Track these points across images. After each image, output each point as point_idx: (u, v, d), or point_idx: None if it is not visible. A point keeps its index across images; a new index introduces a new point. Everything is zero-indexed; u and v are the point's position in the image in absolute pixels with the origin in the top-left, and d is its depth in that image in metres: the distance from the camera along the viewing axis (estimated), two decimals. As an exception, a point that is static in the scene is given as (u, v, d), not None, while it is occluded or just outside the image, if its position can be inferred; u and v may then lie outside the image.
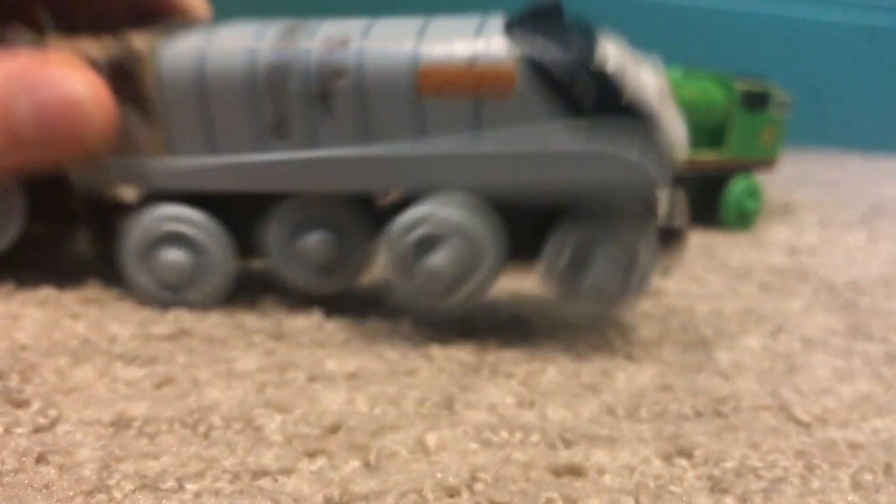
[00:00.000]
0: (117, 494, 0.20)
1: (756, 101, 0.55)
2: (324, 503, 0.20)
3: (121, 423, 0.23)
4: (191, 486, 0.20)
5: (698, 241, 0.52)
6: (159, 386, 0.25)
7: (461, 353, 0.29)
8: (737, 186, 0.55)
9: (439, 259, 0.28)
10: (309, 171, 0.30)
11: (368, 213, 0.31)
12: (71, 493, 0.20)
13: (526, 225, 0.30)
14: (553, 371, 0.28)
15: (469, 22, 0.29)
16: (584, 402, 0.26)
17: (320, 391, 0.25)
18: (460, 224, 0.28)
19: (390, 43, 0.28)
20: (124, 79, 0.29)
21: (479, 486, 0.21)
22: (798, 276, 0.45)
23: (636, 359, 0.31)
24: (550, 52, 0.27)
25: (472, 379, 0.27)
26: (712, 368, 0.30)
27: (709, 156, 0.53)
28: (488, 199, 0.29)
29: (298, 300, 0.33)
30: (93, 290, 0.33)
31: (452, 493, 0.21)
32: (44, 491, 0.20)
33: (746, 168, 0.56)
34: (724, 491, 0.22)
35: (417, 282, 0.29)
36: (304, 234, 0.31)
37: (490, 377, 0.28)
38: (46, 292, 0.32)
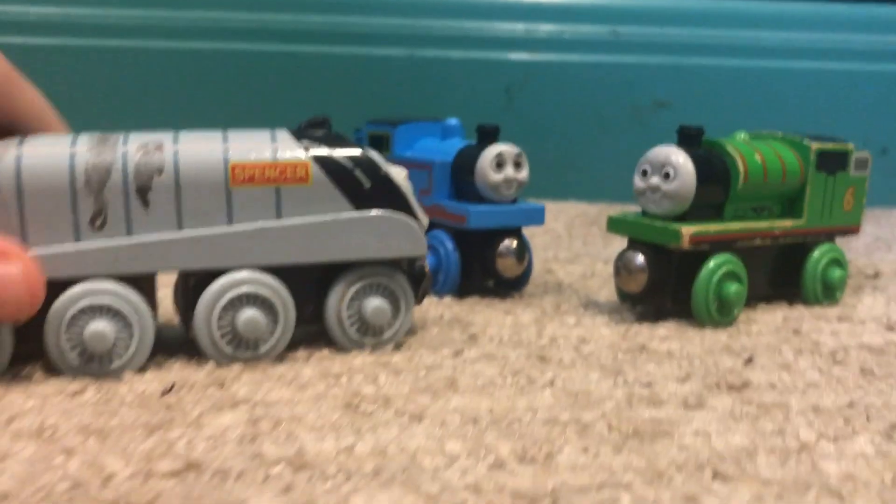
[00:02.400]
0: None
1: (834, 162, 0.50)
2: None
3: None
4: None
5: (782, 317, 0.46)
6: (148, 544, 0.21)
7: (516, 480, 0.25)
8: (820, 256, 0.50)
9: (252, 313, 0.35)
10: (124, 256, 0.34)
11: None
12: None
13: (309, 288, 0.38)
14: (627, 501, 0.23)
15: (260, 132, 0.37)
16: (667, 544, 0.21)
17: (342, 543, 0.21)
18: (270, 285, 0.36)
19: (202, 144, 0.35)
20: None
21: None
22: (903, 357, 0.39)
23: (727, 477, 0.26)
24: (333, 151, 0.37)
25: (527, 516, 0.23)
26: (821, 486, 0.25)
27: (786, 224, 0.48)
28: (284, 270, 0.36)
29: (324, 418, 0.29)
30: (95, 416, 0.29)
31: None
32: None
33: (828, 235, 0.51)
34: None
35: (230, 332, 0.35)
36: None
37: (550, 513, 0.23)
38: (42, 419, 0.28)
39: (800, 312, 0.48)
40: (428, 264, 0.40)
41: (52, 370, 0.34)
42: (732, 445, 0.28)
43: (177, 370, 0.34)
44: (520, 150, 0.50)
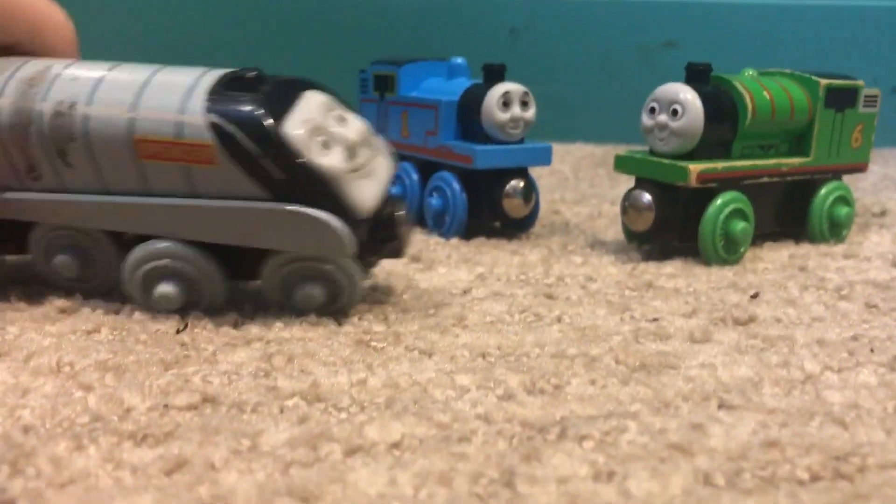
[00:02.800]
0: None
1: (843, 99, 0.49)
2: None
3: (121, 522, 0.19)
4: None
5: (789, 255, 0.47)
6: (169, 472, 0.21)
7: (525, 410, 0.25)
8: (827, 194, 0.50)
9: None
10: (60, 209, 0.34)
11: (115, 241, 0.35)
12: None
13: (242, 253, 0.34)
14: (634, 429, 0.24)
15: (182, 85, 0.33)
16: (673, 469, 0.22)
17: (357, 470, 0.22)
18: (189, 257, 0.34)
19: (111, 111, 0.33)
20: None
21: None
22: (909, 292, 0.40)
23: (733, 406, 0.26)
24: (244, 126, 0.31)
25: (536, 444, 0.23)
26: (825, 414, 0.26)
27: (794, 162, 0.48)
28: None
29: (335, 355, 0.30)
30: (111, 353, 0.29)
31: None
32: None
33: (836, 173, 0.51)
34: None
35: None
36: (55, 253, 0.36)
37: (559, 441, 0.23)
38: (59, 356, 0.29)
39: (806, 250, 0.48)
40: (405, 210, 0.35)
41: (67, 310, 0.34)
42: (738, 377, 0.29)
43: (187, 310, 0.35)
44: (526, 89, 0.50)
